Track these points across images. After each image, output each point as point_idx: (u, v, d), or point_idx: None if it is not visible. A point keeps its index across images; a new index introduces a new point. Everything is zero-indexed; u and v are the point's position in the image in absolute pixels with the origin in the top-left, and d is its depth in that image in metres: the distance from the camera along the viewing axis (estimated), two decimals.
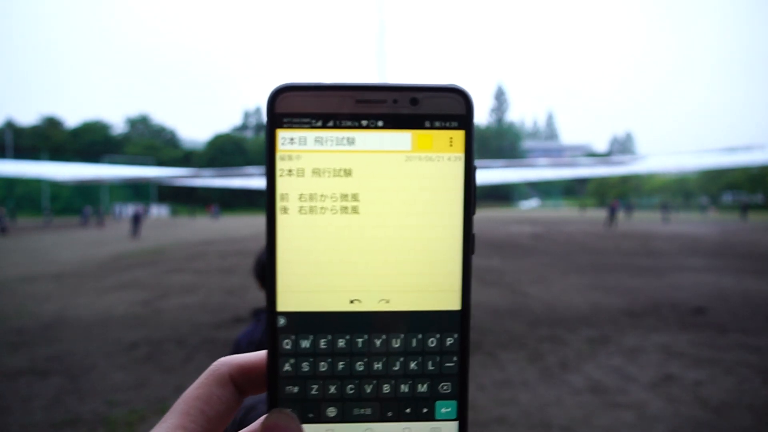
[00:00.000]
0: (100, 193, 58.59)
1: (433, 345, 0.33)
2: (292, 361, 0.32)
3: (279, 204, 0.32)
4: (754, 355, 5.05)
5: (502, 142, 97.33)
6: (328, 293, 0.32)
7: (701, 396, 4.03)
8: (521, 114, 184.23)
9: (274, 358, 0.32)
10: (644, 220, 36.49)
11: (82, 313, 7.41)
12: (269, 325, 0.32)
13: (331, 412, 0.32)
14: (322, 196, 0.32)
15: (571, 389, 4.21)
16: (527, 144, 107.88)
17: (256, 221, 39.74)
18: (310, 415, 0.32)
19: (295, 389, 0.32)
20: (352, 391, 0.32)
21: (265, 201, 0.32)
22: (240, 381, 0.32)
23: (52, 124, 65.90)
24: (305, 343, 0.32)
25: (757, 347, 5.32)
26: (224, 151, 67.34)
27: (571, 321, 6.59)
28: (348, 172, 0.32)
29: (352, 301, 0.32)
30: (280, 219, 0.32)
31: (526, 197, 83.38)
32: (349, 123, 0.33)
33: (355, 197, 0.32)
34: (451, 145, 0.33)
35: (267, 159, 0.33)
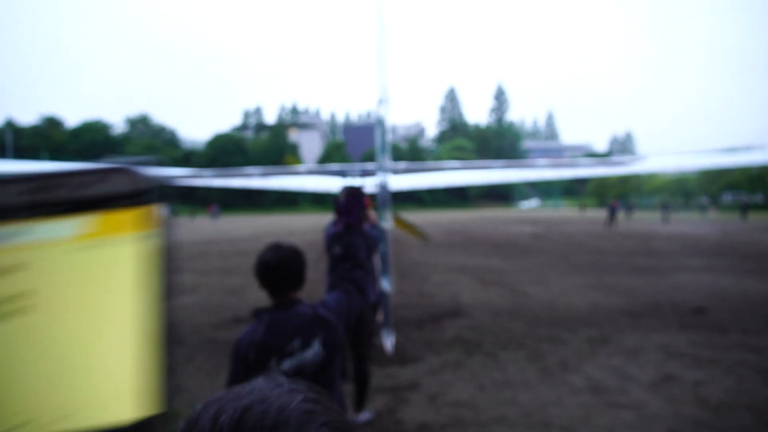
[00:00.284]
0: None
1: None
2: None
3: None
4: (754, 355, 5.05)
5: (502, 142, 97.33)
6: None
7: (701, 396, 4.04)
8: (521, 114, 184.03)
9: None
10: (644, 220, 36.49)
11: None
12: None
13: None
14: None
15: (571, 389, 4.22)
16: (527, 144, 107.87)
17: (256, 221, 39.74)
18: None
19: None
20: None
21: None
22: None
23: (52, 124, 65.86)
24: None
25: (757, 347, 5.32)
26: (224, 151, 67.32)
27: (571, 321, 6.60)
28: (10, 270, 0.27)
29: (21, 424, 0.26)
30: None
31: (525, 197, 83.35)
32: (8, 215, 0.28)
33: (19, 298, 0.27)
34: (130, 226, 0.30)
35: None
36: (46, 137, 63.31)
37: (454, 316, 6.96)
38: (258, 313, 1.77)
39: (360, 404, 3.71)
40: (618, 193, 67.09)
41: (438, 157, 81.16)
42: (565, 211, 62.02)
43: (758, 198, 58.99)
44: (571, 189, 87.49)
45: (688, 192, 64.94)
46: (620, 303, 7.69)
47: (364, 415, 3.69)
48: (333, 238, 4.14)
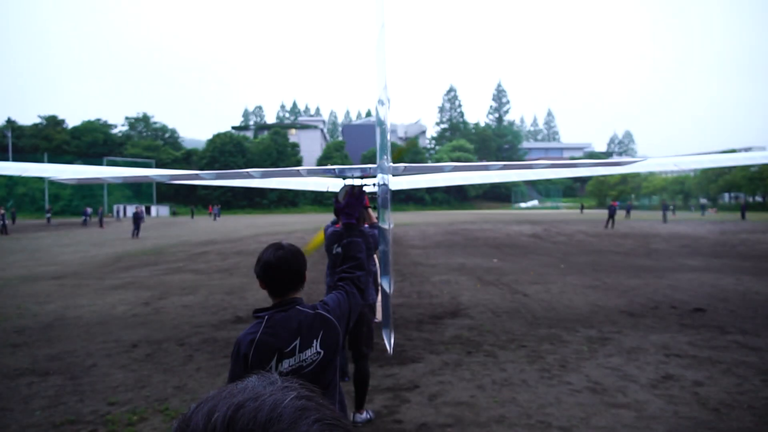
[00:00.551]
0: (99, 192, 58.49)
1: None
2: None
3: None
4: (753, 355, 5.05)
5: (501, 142, 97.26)
6: None
7: (700, 396, 4.04)
8: (521, 114, 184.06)
9: None
10: (644, 220, 36.48)
11: (83, 313, 7.41)
12: None
13: None
14: None
15: (570, 389, 4.22)
16: (527, 144, 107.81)
17: (256, 221, 39.73)
18: None
19: None
20: None
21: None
22: None
23: (52, 123, 65.80)
24: None
25: (756, 347, 5.32)
26: (224, 151, 67.27)
27: (571, 321, 6.60)
28: None
29: None
30: None
31: (525, 197, 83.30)
32: None
33: None
34: None
35: None
36: (46, 137, 63.26)
37: (453, 316, 6.97)
38: (258, 313, 1.77)
39: (360, 404, 3.71)
40: (617, 194, 67.10)
41: (438, 158, 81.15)
42: (565, 211, 62.00)
43: (757, 198, 58.98)
44: (571, 189, 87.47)
45: (688, 192, 64.94)
46: (620, 303, 7.69)
47: (364, 415, 3.69)
48: (333, 238, 4.15)
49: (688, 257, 13.49)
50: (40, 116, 66.57)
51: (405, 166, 3.08)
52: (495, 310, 7.33)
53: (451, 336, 5.97)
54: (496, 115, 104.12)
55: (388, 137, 2.62)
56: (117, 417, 3.79)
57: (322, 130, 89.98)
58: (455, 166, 3.80)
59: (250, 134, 79.16)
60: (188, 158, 69.61)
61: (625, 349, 5.31)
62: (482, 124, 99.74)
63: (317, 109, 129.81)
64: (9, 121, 65.46)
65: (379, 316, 4.95)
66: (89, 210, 36.70)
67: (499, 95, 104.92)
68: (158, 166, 60.50)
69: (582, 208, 56.23)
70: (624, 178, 67.06)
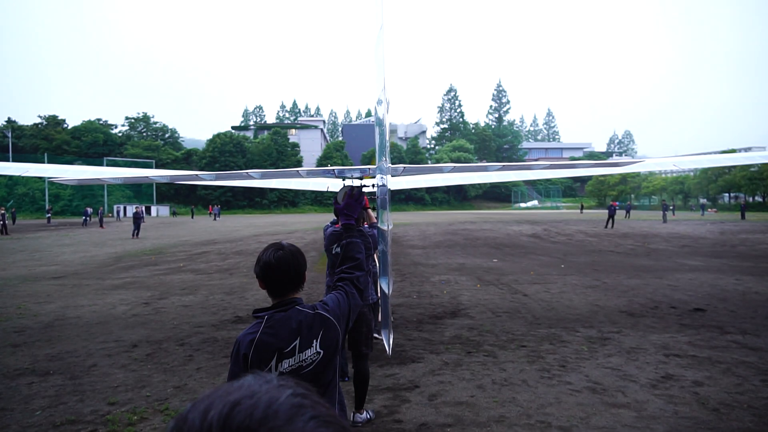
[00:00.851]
0: (99, 192, 58.48)
1: None
2: None
3: None
4: (753, 355, 5.05)
5: (501, 142, 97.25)
6: None
7: (700, 396, 4.04)
8: (521, 114, 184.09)
9: None
10: (644, 220, 36.48)
11: (83, 313, 7.41)
12: None
13: None
14: None
15: (570, 389, 4.22)
16: (527, 144, 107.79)
17: (256, 221, 39.73)
18: None
19: None
20: None
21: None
22: None
23: (52, 123, 65.79)
24: None
25: (756, 347, 5.33)
26: (224, 151, 67.27)
27: (571, 321, 6.60)
28: None
29: None
30: None
31: (525, 198, 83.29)
32: None
33: None
34: None
35: None
36: (46, 137, 63.25)
37: (453, 316, 6.97)
38: (258, 313, 1.77)
39: (360, 404, 3.72)
40: (617, 194, 67.09)
41: (438, 158, 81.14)
42: (565, 211, 61.99)
43: (757, 198, 58.98)
44: (571, 189, 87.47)
45: (688, 192, 64.94)
46: (620, 303, 7.69)
47: (364, 415, 3.69)
48: (332, 239, 4.15)
49: (688, 257, 13.49)
50: (40, 116, 66.63)
51: (404, 167, 3.09)
52: (495, 310, 7.34)
53: (451, 336, 5.97)
54: (496, 115, 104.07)
55: (387, 137, 2.62)
56: (117, 417, 3.79)
57: (322, 130, 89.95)
58: (454, 167, 3.81)
59: (250, 134, 79.13)
60: (188, 158, 69.59)
61: (625, 349, 5.31)
62: (482, 124, 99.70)
63: (317, 109, 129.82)
64: (9, 121, 65.46)
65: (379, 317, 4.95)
66: (89, 210, 36.70)
67: (499, 95, 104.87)
68: (158, 166, 60.49)
69: (582, 208, 56.22)
70: (624, 178, 67.07)
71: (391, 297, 2.58)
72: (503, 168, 3.17)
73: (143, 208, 33.69)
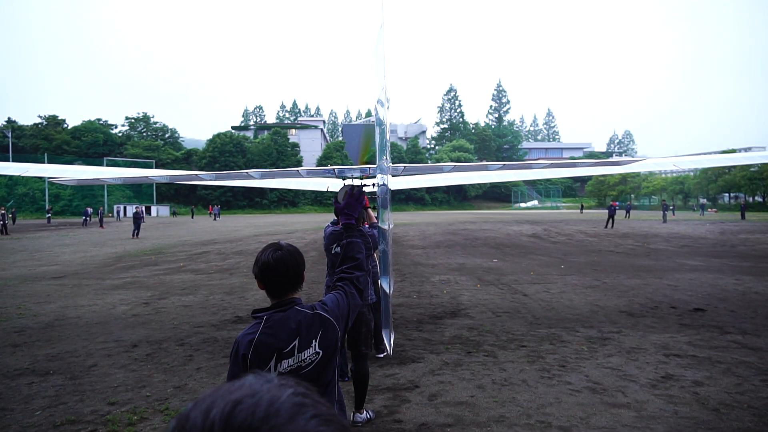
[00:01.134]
0: (99, 192, 58.47)
1: None
2: None
3: None
4: (753, 355, 5.05)
5: (501, 142, 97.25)
6: None
7: (700, 396, 4.04)
8: (521, 114, 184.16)
9: None
10: (644, 220, 36.48)
11: (83, 313, 7.41)
12: None
13: None
14: None
15: (570, 389, 4.22)
16: (527, 144, 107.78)
17: (256, 221, 39.73)
18: None
19: None
20: None
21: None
22: None
23: (52, 123, 65.79)
24: None
25: (756, 347, 5.33)
26: (224, 151, 67.27)
27: (571, 321, 6.60)
28: None
29: None
30: None
31: (525, 198, 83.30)
32: None
33: None
34: None
35: None
36: (46, 137, 63.25)
37: (453, 316, 6.97)
38: (257, 313, 1.77)
39: (359, 404, 3.71)
40: (617, 194, 67.08)
41: (438, 158, 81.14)
42: (565, 211, 61.99)
43: (757, 198, 58.98)
44: (571, 189, 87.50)
45: (688, 193, 64.95)
46: (620, 303, 7.69)
47: (364, 415, 3.69)
48: (332, 238, 4.15)
49: (688, 257, 13.49)
50: (40, 116, 66.64)
51: (404, 167, 3.09)
52: (495, 310, 7.33)
53: (451, 336, 5.97)
54: (496, 115, 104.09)
55: (388, 137, 2.62)
56: (117, 417, 3.79)
57: (322, 130, 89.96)
58: (455, 166, 3.81)
59: (250, 134, 79.14)
60: (188, 158, 69.59)
61: (625, 349, 5.31)
62: (482, 124, 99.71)
63: (317, 109, 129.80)
64: (9, 121, 65.46)
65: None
66: (89, 210, 36.72)
67: (499, 95, 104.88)
68: (158, 166, 60.50)
69: (582, 208, 56.23)
70: (624, 178, 67.08)
71: (392, 297, 2.57)
72: (503, 167, 3.17)
73: (143, 208, 33.69)
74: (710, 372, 4.59)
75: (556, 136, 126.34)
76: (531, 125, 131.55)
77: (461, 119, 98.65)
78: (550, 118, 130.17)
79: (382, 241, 2.67)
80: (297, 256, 1.80)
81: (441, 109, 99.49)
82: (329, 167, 3.04)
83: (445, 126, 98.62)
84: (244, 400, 0.48)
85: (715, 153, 47.79)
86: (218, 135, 69.79)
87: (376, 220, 4.13)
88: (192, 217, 51.29)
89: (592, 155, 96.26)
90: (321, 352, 1.77)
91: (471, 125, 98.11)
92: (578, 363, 4.89)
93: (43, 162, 48.73)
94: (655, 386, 4.25)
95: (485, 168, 4.23)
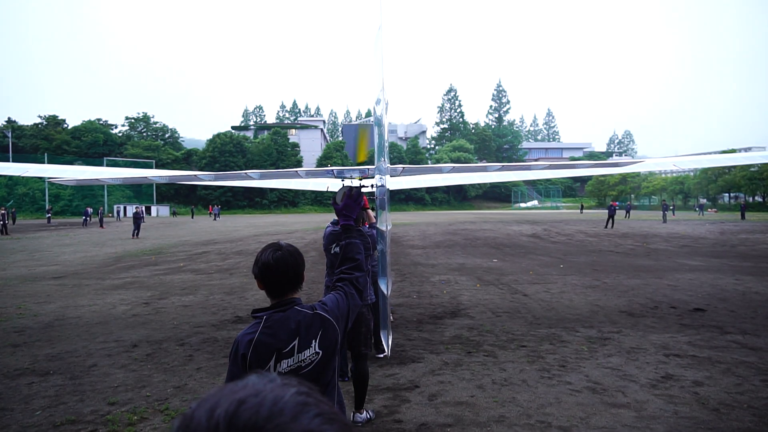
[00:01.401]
0: (99, 192, 58.48)
1: None
2: None
3: None
4: (753, 355, 5.05)
5: (501, 142, 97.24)
6: None
7: (700, 396, 4.04)
8: (521, 114, 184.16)
9: None
10: (644, 220, 36.48)
11: (83, 313, 7.41)
12: None
13: None
14: None
15: (570, 389, 4.22)
16: (527, 144, 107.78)
17: (256, 221, 39.73)
18: None
19: None
20: None
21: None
22: None
23: (52, 123, 65.79)
24: None
25: (756, 347, 5.33)
26: (224, 151, 67.28)
27: (571, 321, 6.60)
28: None
29: None
30: None
31: (525, 198, 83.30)
32: None
33: None
34: None
35: None
36: (46, 137, 63.26)
37: (453, 316, 6.97)
38: (256, 313, 1.77)
39: (359, 404, 3.72)
40: (617, 194, 67.07)
41: (438, 158, 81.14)
42: (565, 211, 61.99)
43: (757, 198, 58.99)
44: (571, 189, 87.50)
45: (688, 193, 64.95)
46: (620, 303, 7.69)
47: (364, 415, 3.69)
48: (331, 239, 4.15)
49: (688, 257, 13.49)
50: (40, 116, 66.66)
51: (403, 168, 3.09)
52: (495, 310, 7.34)
53: (451, 336, 5.97)
54: (496, 115, 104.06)
55: (386, 137, 2.62)
56: (117, 417, 3.79)
57: (322, 130, 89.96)
58: (453, 168, 3.82)
59: (250, 134, 79.14)
60: (188, 158, 69.58)
61: (625, 349, 5.31)
62: (482, 124, 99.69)
63: (317, 109, 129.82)
64: (9, 121, 65.47)
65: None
66: (90, 210, 36.71)
67: (499, 95, 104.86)
68: (158, 166, 60.49)
69: (582, 208, 56.23)
70: (624, 179, 67.08)
71: (391, 297, 2.58)
72: (502, 168, 3.18)
73: (143, 208, 33.70)
74: (710, 372, 4.60)
75: (556, 136, 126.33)
76: (531, 125, 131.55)
77: (461, 119, 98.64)
78: (550, 118, 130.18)
79: (380, 241, 2.68)
80: (297, 256, 1.80)
81: (441, 109, 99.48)
82: (328, 168, 3.04)
83: (445, 126, 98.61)
84: (248, 399, 0.49)
85: (715, 153, 47.81)
86: (218, 135, 69.79)
87: (375, 221, 4.14)
88: (192, 217, 51.29)
89: (592, 155, 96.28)
90: (321, 352, 1.77)
91: (471, 125, 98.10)
92: (578, 363, 4.89)
93: (43, 162, 48.76)
94: (655, 386, 4.26)
95: (484, 169, 4.24)
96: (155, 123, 76.24)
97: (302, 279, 1.84)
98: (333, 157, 70.08)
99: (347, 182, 2.89)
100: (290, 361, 1.71)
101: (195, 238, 22.76)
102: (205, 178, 4.10)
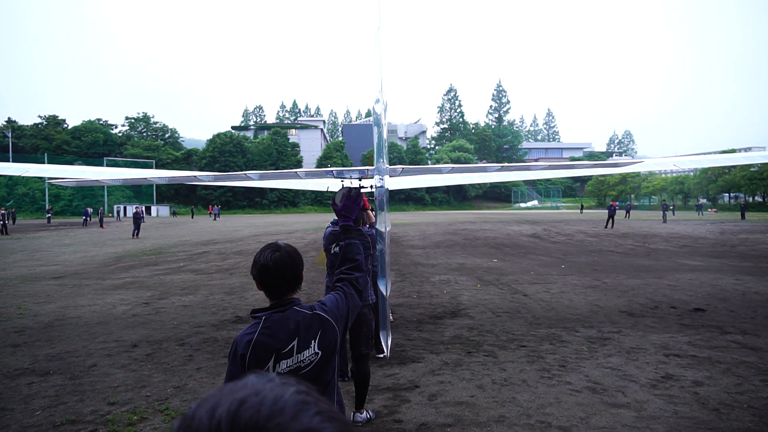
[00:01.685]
0: (99, 192, 58.47)
1: None
2: None
3: None
4: (753, 355, 5.05)
5: (501, 142, 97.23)
6: None
7: (700, 396, 4.04)
8: (521, 114, 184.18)
9: None
10: (644, 220, 36.48)
11: (83, 313, 7.42)
12: None
13: None
14: None
15: (570, 389, 4.22)
16: (527, 144, 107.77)
17: (256, 221, 39.74)
18: None
19: None
20: None
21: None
22: None
23: (52, 123, 65.79)
24: None
25: (756, 347, 5.33)
26: (224, 152, 67.28)
27: (571, 321, 6.60)
28: None
29: None
30: None
31: (525, 198, 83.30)
32: None
33: None
34: None
35: None
36: (46, 137, 63.26)
37: (453, 316, 6.97)
38: (256, 313, 1.77)
39: (360, 404, 3.72)
40: (617, 194, 67.07)
41: (438, 158, 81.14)
42: (565, 211, 61.98)
43: (757, 198, 58.99)
44: (571, 189, 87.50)
45: (687, 193, 64.95)
46: (620, 303, 7.69)
47: (364, 415, 3.69)
48: (331, 239, 4.15)
49: (688, 257, 13.49)
50: (40, 116, 66.65)
51: (403, 168, 3.09)
52: (495, 310, 7.34)
53: (451, 336, 5.97)
54: (496, 115, 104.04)
55: (385, 138, 2.62)
56: (117, 417, 3.79)
57: (322, 130, 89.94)
58: (453, 168, 3.82)
59: (250, 134, 79.12)
60: (188, 158, 69.58)
61: (625, 349, 5.31)
62: (482, 124, 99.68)
63: (317, 109, 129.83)
64: (9, 121, 65.47)
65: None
66: (90, 210, 36.72)
67: (499, 95, 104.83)
68: (158, 166, 60.49)
69: (582, 208, 56.23)
70: (624, 178, 67.07)
71: (391, 297, 2.58)
72: (502, 169, 3.18)
73: (143, 208, 33.70)
74: (710, 372, 4.60)
75: (556, 136, 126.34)
76: (531, 125, 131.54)
77: (461, 119, 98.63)
78: (550, 118, 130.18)
79: (380, 242, 2.68)
80: (295, 257, 1.79)
81: (441, 109, 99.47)
82: (328, 168, 3.04)
83: (445, 126, 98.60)
84: (249, 398, 0.49)
85: (715, 153, 47.82)
86: (218, 135, 69.79)
87: (375, 221, 4.14)
88: (192, 217, 51.29)
89: (592, 155, 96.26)
90: (320, 352, 1.77)
91: (471, 125, 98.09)
92: (578, 363, 4.89)
93: (43, 162, 48.77)
94: (655, 386, 4.26)
95: (484, 170, 4.25)
96: (155, 123, 76.22)
97: (301, 279, 1.84)
98: (333, 157, 70.07)
99: (347, 183, 2.89)
100: (289, 361, 1.71)
101: (195, 238, 22.76)
102: (204, 179, 4.11)
